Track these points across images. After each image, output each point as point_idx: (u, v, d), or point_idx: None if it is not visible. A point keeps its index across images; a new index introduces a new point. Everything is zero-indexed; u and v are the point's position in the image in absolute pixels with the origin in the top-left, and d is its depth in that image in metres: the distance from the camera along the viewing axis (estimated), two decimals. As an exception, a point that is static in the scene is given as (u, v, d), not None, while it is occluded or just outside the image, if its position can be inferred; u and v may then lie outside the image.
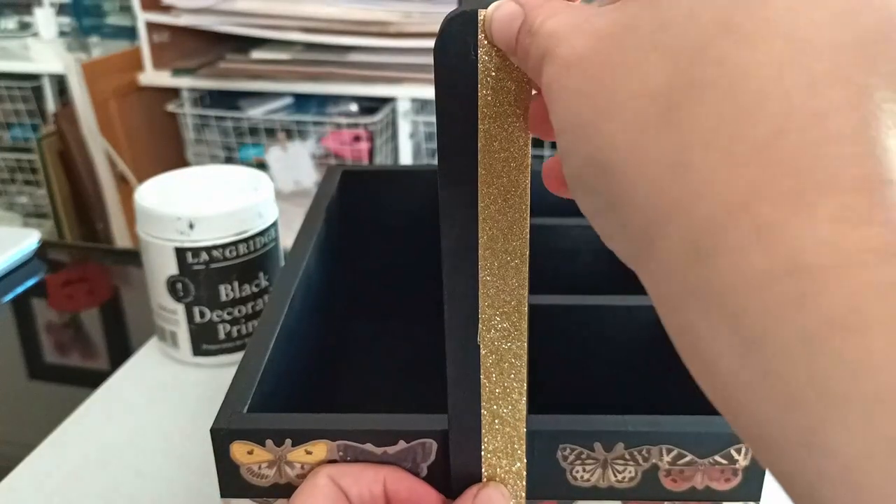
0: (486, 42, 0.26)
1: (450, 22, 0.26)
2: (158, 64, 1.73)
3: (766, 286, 0.15)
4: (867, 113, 0.15)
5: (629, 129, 0.18)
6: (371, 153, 1.66)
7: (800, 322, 0.15)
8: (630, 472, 0.33)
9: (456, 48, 0.26)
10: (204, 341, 0.61)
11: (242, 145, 1.74)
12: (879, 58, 0.16)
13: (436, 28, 0.26)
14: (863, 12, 0.16)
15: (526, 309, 0.29)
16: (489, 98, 0.26)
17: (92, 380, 0.62)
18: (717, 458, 0.33)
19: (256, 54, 1.72)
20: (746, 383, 0.16)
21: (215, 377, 0.61)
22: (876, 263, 0.14)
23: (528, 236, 0.28)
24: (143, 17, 1.68)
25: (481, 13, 0.25)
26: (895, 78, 0.16)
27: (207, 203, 0.59)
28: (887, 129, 0.15)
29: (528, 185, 0.28)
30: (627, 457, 0.33)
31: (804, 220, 0.15)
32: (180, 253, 0.58)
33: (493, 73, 0.26)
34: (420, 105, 1.64)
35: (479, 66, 0.26)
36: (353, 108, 1.68)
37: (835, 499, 0.14)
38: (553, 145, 1.58)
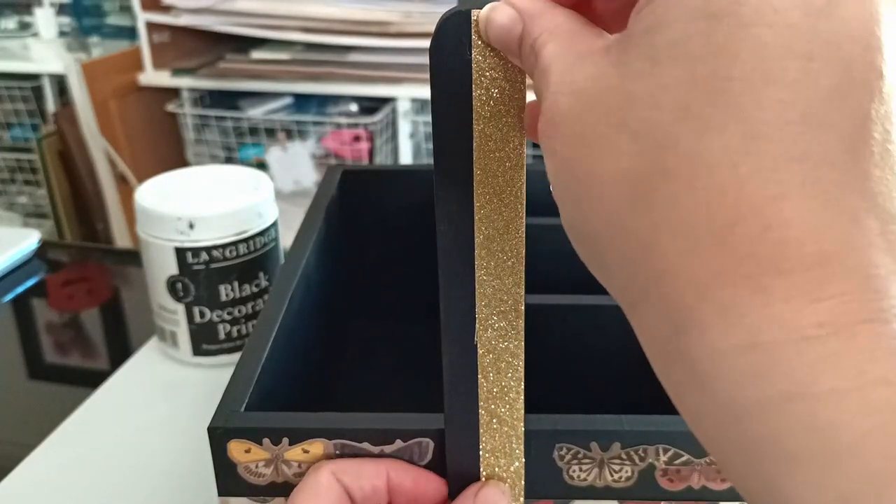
0: (480, 42, 0.26)
1: (445, 22, 0.26)
2: (158, 64, 1.73)
3: (729, 360, 0.17)
4: (825, 189, 0.17)
5: (606, 209, 0.19)
6: (371, 153, 1.66)
7: (759, 392, 0.17)
8: (627, 471, 0.33)
9: (451, 48, 0.26)
10: (204, 341, 0.62)
11: (242, 145, 1.74)
12: (838, 125, 0.17)
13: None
14: (819, 80, 0.17)
15: (522, 308, 0.30)
16: (484, 98, 0.26)
17: (92, 380, 0.63)
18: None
19: (256, 54, 1.72)
20: (724, 439, 0.18)
21: (215, 377, 0.61)
22: (826, 336, 0.16)
23: (524, 235, 0.29)
24: (143, 17, 1.68)
25: (475, 13, 0.25)
26: (848, 143, 0.17)
27: (207, 203, 0.59)
28: (838, 204, 0.16)
29: (524, 185, 0.28)
30: (624, 456, 0.33)
31: (761, 301, 0.17)
32: (180, 253, 0.58)
33: (489, 73, 0.26)
34: (420, 105, 1.64)
35: (474, 65, 0.26)
36: (353, 108, 1.68)
37: None
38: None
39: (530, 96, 0.26)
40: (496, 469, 0.32)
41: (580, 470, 0.33)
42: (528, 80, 0.26)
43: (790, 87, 0.17)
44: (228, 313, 0.61)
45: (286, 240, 0.61)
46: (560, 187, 0.21)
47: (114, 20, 1.98)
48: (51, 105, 1.82)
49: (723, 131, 0.17)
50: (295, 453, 0.33)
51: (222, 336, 0.62)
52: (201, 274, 0.59)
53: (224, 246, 0.59)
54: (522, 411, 0.31)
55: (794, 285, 0.16)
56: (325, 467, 0.31)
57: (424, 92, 1.59)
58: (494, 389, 0.31)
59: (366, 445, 0.32)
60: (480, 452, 0.32)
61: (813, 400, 0.16)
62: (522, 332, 0.30)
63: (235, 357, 0.61)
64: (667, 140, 0.18)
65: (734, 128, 0.17)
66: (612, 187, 0.19)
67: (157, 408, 0.59)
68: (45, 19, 1.94)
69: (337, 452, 0.32)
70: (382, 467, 0.32)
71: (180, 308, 0.60)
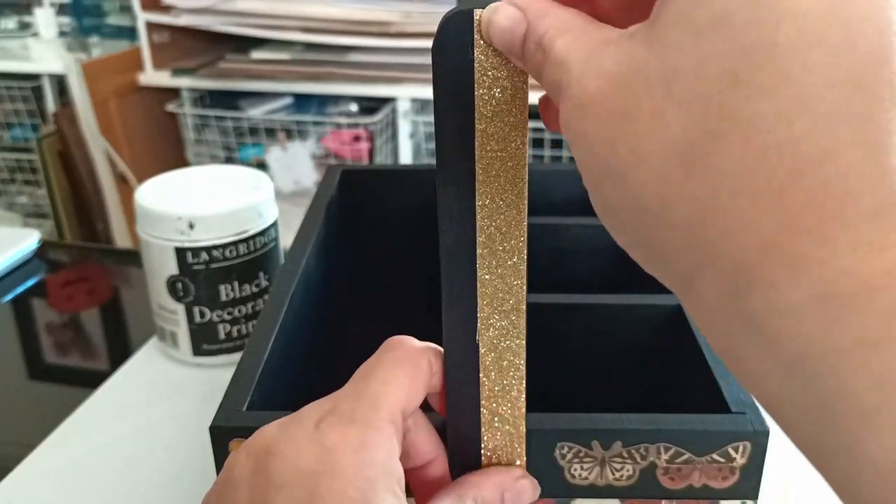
0: (482, 42, 0.26)
1: (447, 22, 0.26)
2: (158, 64, 1.73)
3: (798, 315, 0.17)
4: (873, 143, 0.17)
5: (657, 179, 0.19)
6: (371, 153, 1.66)
7: (830, 344, 0.17)
8: (628, 470, 0.33)
9: (453, 48, 0.26)
10: (204, 341, 0.62)
11: (242, 145, 1.74)
12: (878, 85, 0.17)
13: (436, 28, 0.26)
14: (857, 44, 0.17)
15: (524, 307, 0.30)
16: (486, 97, 0.26)
17: (92, 380, 0.62)
18: (715, 456, 0.33)
19: (256, 54, 1.72)
20: (790, 400, 0.18)
21: (215, 377, 0.61)
22: (894, 284, 0.16)
23: (526, 235, 0.29)
24: (143, 17, 1.68)
25: (477, 13, 0.25)
26: (888, 104, 0.17)
27: (207, 203, 0.59)
28: (887, 159, 0.17)
29: (526, 184, 0.28)
30: (625, 455, 0.33)
31: (828, 253, 0.17)
32: (180, 253, 0.58)
33: (490, 73, 0.26)
34: (420, 105, 1.64)
35: (476, 65, 0.26)
36: (353, 108, 1.68)
37: (874, 501, 0.16)
38: (553, 144, 1.58)
39: (532, 96, 0.26)
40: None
41: (581, 469, 0.33)
42: (531, 80, 0.26)
43: (832, 51, 0.17)
44: (228, 313, 0.61)
45: (286, 240, 0.61)
46: (597, 171, 0.21)
47: (114, 20, 1.98)
48: (51, 105, 1.82)
49: (773, 94, 0.18)
50: (296, 453, 0.32)
51: (222, 336, 0.62)
52: (201, 274, 0.59)
53: (224, 246, 0.59)
54: (524, 410, 0.31)
55: (857, 236, 0.17)
56: (426, 353, 0.30)
57: (424, 92, 1.59)
58: (496, 388, 0.31)
59: (367, 445, 0.32)
60: (482, 451, 0.32)
61: (885, 349, 0.16)
62: (524, 331, 0.30)
63: (235, 357, 0.61)
64: (718, 107, 0.18)
65: (784, 91, 0.17)
66: (662, 158, 0.19)
67: (157, 408, 0.59)
68: (45, 19, 1.94)
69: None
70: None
71: (180, 308, 0.60)
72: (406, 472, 0.31)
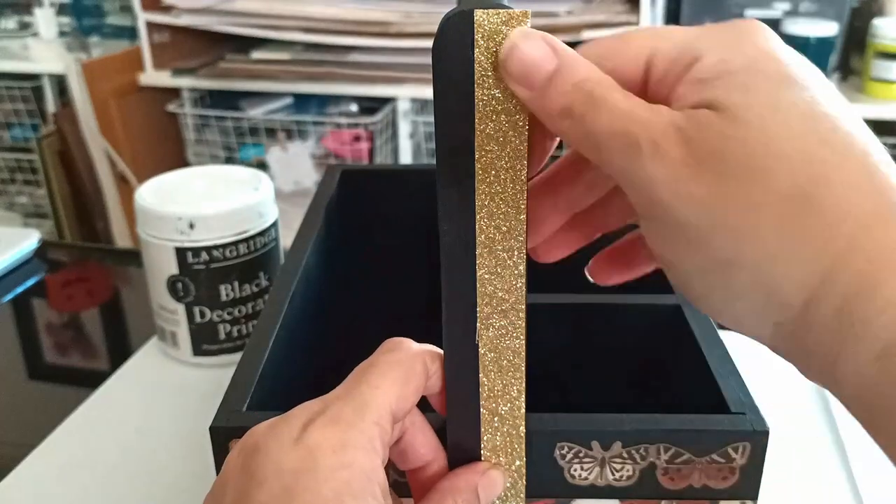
0: (482, 42, 0.26)
1: (447, 22, 0.26)
2: (158, 64, 1.73)
3: None
4: None
5: (775, 221, 0.23)
6: (371, 153, 1.66)
7: None
8: (628, 470, 0.33)
9: (453, 48, 0.26)
10: (204, 341, 0.62)
11: (243, 145, 1.74)
12: None
13: (436, 28, 0.26)
14: None
15: (524, 307, 0.30)
16: (486, 97, 0.26)
17: (92, 380, 0.62)
18: (715, 456, 0.33)
19: (256, 54, 1.72)
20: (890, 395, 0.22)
21: (215, 377, 0.61)
22: None
23: (525, 234, 0.29)
24: (143, 17, 1.68)
25: (478, 13, 0.25)
26: None
27: (207, 203, 0.59)
28: None
29: (526, 183, 0.28)
30: (625, 455, 0.33)
31: None
32: (180, 253, 0.58)
33: (491, 73, 0.26)
34: (420, 105, 1.64)
35: (476, 65, 0.26)
36: (353, 108, 1.68)
37: None
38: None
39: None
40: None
41: (581, 469, 0.33)
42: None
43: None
44: (228, 313, 0.61)
45: (286, 240, 0.61)
46: (708, 229, 0.23)
47: (114, 20, 1.98)
48: (51, 105, 1.82)
49: (847, 155, 0.23)
50: (296, 453, 0.32)
51: (222, 336, 0.62)
52: (201, 274, 0.59)
53: (224, 246, 0.59)
54: (524, 410, 0.31)
55: None
56: (421, 356, 0.30)
57: (424, 92, 1.59)
58: (496, 388, 0.31)
59: (367, 445, 0.32)
60: (482, 451, 0.32)
61: None
62: (524, 331, 0.30)
63: (236, 357, 0.61)
64: (811, 165, 0.23)
65: (861, 149, 0.23)
66: (777, 202, 0.23)
67: (157, 408, 0.59)
68: (45, 19, 1.94)
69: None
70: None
71: (180, 308, 0.60)
72: (407, 473, 0.32)
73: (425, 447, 0.31)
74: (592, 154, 0.25)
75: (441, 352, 0.30)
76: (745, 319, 0.25)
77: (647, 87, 0.26)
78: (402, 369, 0.29)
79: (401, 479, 0.33)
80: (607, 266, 0.33)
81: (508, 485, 0.32)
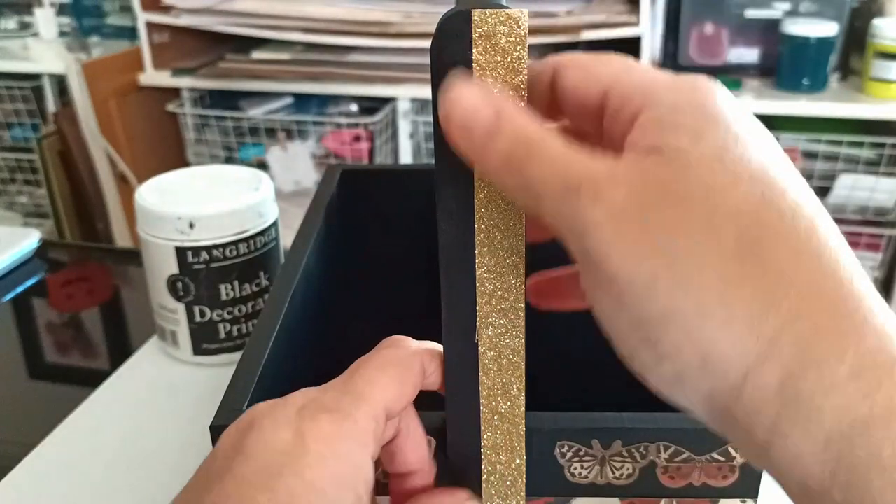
0: (481, 41, 0.26)
1: (446, 22, 0.26)
2: (158, 64, 1.73)
3: (841, 389, 0.21)
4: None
5: (716, 280, 0.21)
6: (371, 153, 1.66)
7: (866, 411, 0.20)
8: (628, 468, 0.33)
9: (452, 47, 0.26)
10: (204, 341, 0.62)
11: (243, 145, 1.74)
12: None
13: (435, 28, 0.26)
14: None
15: (524, 305, 0.30)
16: (486, 97, 0.26)
17: (92, 380, 0.63)
18: (715, 455, 0.33)
19: (256, 54, 1.72)
20: (828, 472, 0.21)
21: (215, 376, 0.61)
22: None
23: (524, 233, 0.29)
24: (143, 17, 1.68)
25: (476, 13, 0.25)
26: None
27: (207, 203, 0.59)
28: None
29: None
30: (625, 454, 0.33)
31: (867, 330, 0.21)
32: (181, 252, 0.58)
33: (489, 72, 0.26)
34: (420, 105, 1.64)
35: (475, 65, 0.26)
36: (353, 108, 1.68)
37: None
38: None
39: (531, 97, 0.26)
40: (497, 466, 0.32)
41: (581, 467, 0.33)
42: (528, 79, 0.26)
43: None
44: (229, 313, 0.61)
45: (286, 240, 0.61)
46: (645, 280, 0.22)
47: (114, 20, 1.98)
48: (51, 105, 1.82)
49: (801, 218, 0.22)
50: (296, 452, 0.32)
51: (223, 335, 0.62)
52: (201, 273, 0.59)
53: (224, 245, 0.59)
54: (523, 408, 0.31)
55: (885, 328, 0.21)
56: (419, 355, 0.30)
57: (424, 92, 1.59)
58: (496, 387, 0.31)
59: (367, 444, 0.32)
60: (482, 450, 0.32)
61: None
62: (524, 330, 0.30)
63: (236, 356, 0.62)
64: (763, 218, 0.22)
65: (808, 219, 0.22)
66: (720, 260, 0.22)
67: (157, 407, 0.59)
68: (45, 19, 1.94)
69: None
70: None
71: (181, 307, 0.60)
72: (390, 476, 0.32)
73: (414, 455, 0.31)
74: (532, 204, 0.24)
75: (440, 350, 0.30)
76: (676, 385, 0.23)
77: (602, 117, 0.26)
78: (400, 366, 0.29)
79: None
80: (544, 290, 0.32)
81: (508, 483, 0.32)
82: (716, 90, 0.24)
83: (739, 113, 0.24)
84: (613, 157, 0.23)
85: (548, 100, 0.27)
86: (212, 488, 0.25)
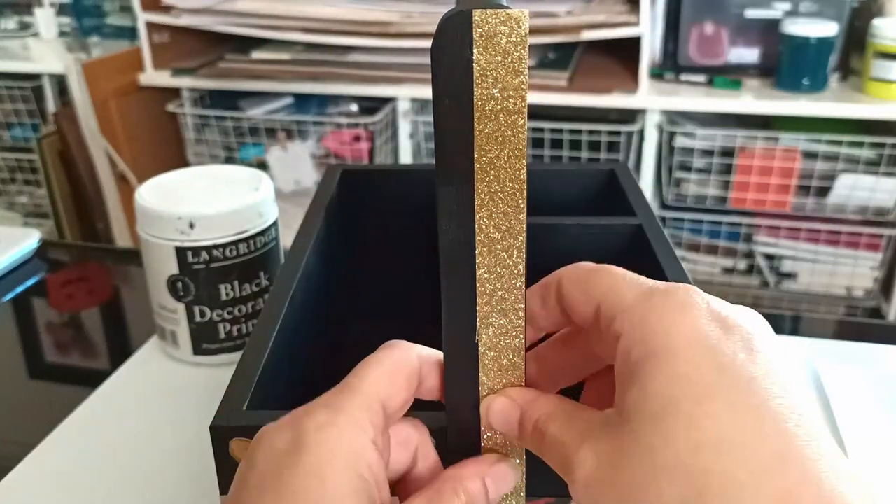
0: (482, 41, 0.26)
1: (446, 22, 0.26)
2: (158, 64, 1.73)
3: None
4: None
5: None
6: (371, 153, 1.66)
7: None
8: (628, 469, 0.33)
9: (452, 48, 0.26)
10: (204, 340, 0.62)
11: (243, 145, 1.74)
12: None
13: (435, 28, 0.26)
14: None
15: (524, 306, 0.30)
16: (486, 97, 0.27)
17: (92, 380, 0.63)
18: (715, 455, 0.33)
19: (256, 54, 1.72)
20: None
21: (215, 376, 0.61)
22: None
23: (525, 234, 0.29)
24: (143, 17, 1.68)
25: (477, 13, 0.25)
26: None
27: (207, 203, 0.59)
28: None
29: (526, 183, 0.28)
30: (625, 455, 0.33)
31: None
32: (181, 252, 0.58)
33: (490, 73, 0.26)
34: (420, 105, 1.64)
35: (475, 65, 0.26)
36: (353, 108, 1.68)
37: None
38: (553, 144, 1.58)
39: (531, 97, 0.26)
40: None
41: (581, 469, 0.33)
42: (529, 80, 0.26)
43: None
44: (229, 312, 0.61)
45: (286, 239, 0.61)
46: None
47: (114, 20, 1.98)
48: (51, 105, 1.82)
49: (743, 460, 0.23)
50: (296, 452, 0.32)
51: (222, 335, 0.62)
52: (201, 273, 0.59)
53: (224, 245, 0.59)
54: (523, 410, 0.31)
55: None
56: (415, 357, 0.30)
57: (424, 92, 1.59)
58: (496, 387, 0.31)
59: (367, 444, 0.32)
60: (482, 450, 0.32)
61: None
62: (524, 330, 0.30)
63: (236, 356, 0.61)
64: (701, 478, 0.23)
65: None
66: None
67: (157, 407, 0.59)
68: (45, 19, 1.94)
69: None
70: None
71: (180, 307, 0.60)
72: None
73: (400, 456, 0.31)
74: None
75: (440, 357, 0.30)
76: None
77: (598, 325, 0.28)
78: (394, 364, 0.29)
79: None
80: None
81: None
82: (690, 310, 0.26)
83: (712, 339, 0.25)
84: (592, 429, 0.27)
85: (557, 310, 0.30)
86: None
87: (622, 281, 0.28)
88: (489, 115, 0.27)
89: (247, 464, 0.27)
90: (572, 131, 1.55)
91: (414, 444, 0.31)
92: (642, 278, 0.28)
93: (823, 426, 0.24)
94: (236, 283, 0.60)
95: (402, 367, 0.29)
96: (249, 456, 0.27)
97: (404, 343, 0.30)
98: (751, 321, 0.26)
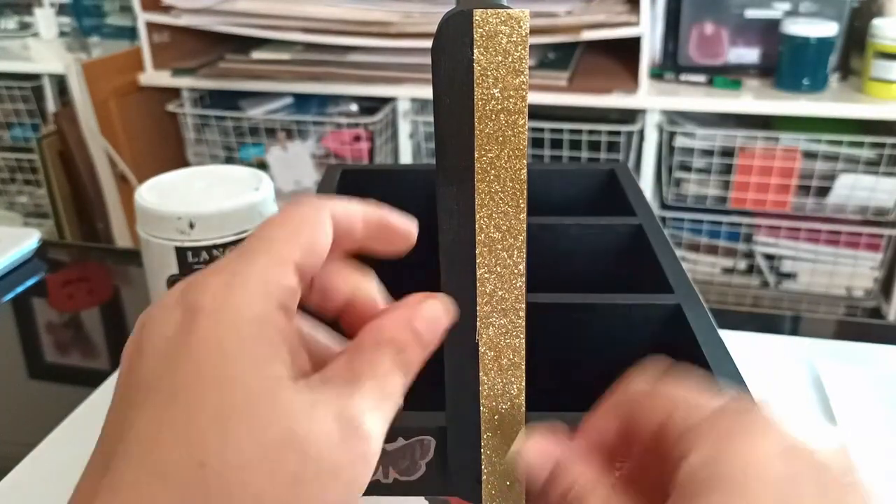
0: (482, 41, 0.26)
1: (446, 22, 0.26)
2: (158, 64, 1.73)
3: None
4: None
5: None
6: (371, 153, 1.66)
7: None
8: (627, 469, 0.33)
9: (453, 48, 0.26)
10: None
11: (243, 145, 1.74)
12: None
13: (435, 28, 0.26)
14: None
15: (524, 306, 0.30)
16: (486, 97, 0.27)
17: (92, 379, 0.62)
18: (715, 455, 0.33)
19: (256, 54, 1.72)
20: None
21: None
22: None
23: (525, 234, 0.29)
24: (143, 17, 1.68)
25: (477, 13, 0.25)
26: None
27: (207, 203, 0.59)
28: None
29: (526, 183, 0.28)
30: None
31: None
32: (181, 252, 0.58)
33: (490, 73, 0.26)
34: (420, 105, 1.64)
35: (476, 65, 0.26)
36: (353, 108, 1.68)
37: None
38: (553, 144, 1.58)
39: (532, 96, 0.26)
40: (497, 466, 0.32)
41: (581, 468, 0.33)
42: (529, 80, 0.26)
43: None
44: (229, 313, 0.61)
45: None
46: None
47: (114, 20, 1.98)
48: (51, 105, 1.82)
49: None
50: (296, 452, 0.32)
51: (223, 335, 0.62)
52: (202, 273, 0.59)
53: (224, 246, 0.59)
54: (524, 409, 0.31)
55: None
56: (323, 207, 0.26)
57: (424, 92, 1.59)
58: (496, 387, 0.31)
59: (367, 444, 0.32)
60: (482, 450, 0.32)
61: None
62: (524, 330, 0.30)
63: (236, 356, 0.61)
64: None
65: None
66: None
67: (157, 407, 0.58)
68: (45, 19, 1.94)
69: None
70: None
71: (181, 307, 0.60)
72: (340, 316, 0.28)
73: (343, 283, 0.28)
74: None
75: (360, 207, 0.28)
76: None
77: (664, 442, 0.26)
78: (301, 218, 0.26)
79: (401, 477, 0.33)
80: None
81: (508, 483, 0.32)
82: (762, 434, 0.24)
83: (779, 468, 0.23)
84: None
85: (612, 440, 0.28)
86: (115, 406, 0.24)
87: (684, 398, 0.26)
88: (490, 115, 0.27)
89: (131, 358, 0.24)
90: (572, 131, 1.55)
91: (342, 296, 0.27)
92: (711, 391, 0.26)
93: None
94: (236, 283, 0.60)
95: (310, 223, 0.26)
96: (134, 347, 0.24)
97: (308, 197, 0.27)
98: (833, 458, 0.24)
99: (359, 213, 0.27)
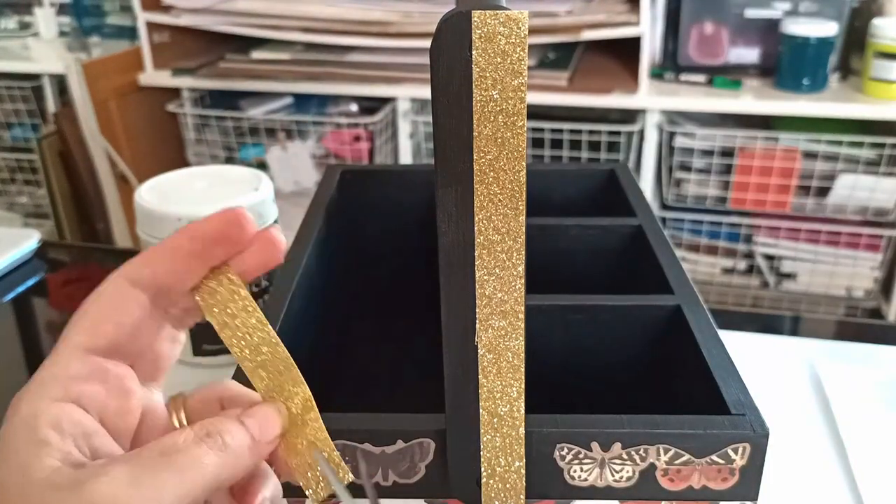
0: (481, 42, 0.26)
1: (446, 23, 0.26)
2: (158, 64, 1.73)
3: None
4: None
5: None
6: (371, 153, 1.66)
7: None
8: (627, 471, 0.33)
9: (452, 48, 0.26)
10: (204, 341, 0.61)
11: (243, 145, 1.74)
12: None
13: (435, 28, 0.26)
14: None
15: (523, 308, 0.30)
16: (485, 98, 0.26)
17: (92, 380, 0.62)
18: (714, 457, 0.33)
19: (256, 54, 1.72)
20: None
21: (216, 377, 0.61)
22: None
23: (524, 235, 0.29)
24: (143, 17, 1.68)
25: (476, 14, 0.25)
26: None
27: (207, 203, 0.59)
28: None
29: (525, 184, 0.28)
30: (625, 456, 0.33)
31: None
32: (180, 253, 0.58)
33: (489, 73, 0.26)
34: (420, 105, 1.64)
35: (475, 66, 0.26)
36: (353, 108, 1.68)
37: None
38: (553, 144, 1.58)
39: (531, 97, 0.26)
40: (497, 468, 0.32)
41: (581, 470, 0.33)
42: (529, 80, 0.26)
43: None
44: (229, 313, 0.61)
45: (286, 240, 0.61)
46: None
47: (114, 20, 1.98)
48: (51, 105, 1.82)
49: None
50: (295, 453, 0.32)
51: (222, 336, 0.62)
52: (201, 274, 0.59)
53: (224, 246, 0.59)
54: (523, 411, 0.31)
55: None
56: (120, 283, 0.30)
57: (424, 92, 1.58)
58: (495, 389, 0.31)
59: (367, 446, 0.32)
60: (481, 452, 0.32)
61: None
62: (523, 332, 0.30)
63: (235, 357, 0.61)
64: None
65: None
66: None
67: (157, 408, 0.58)
68: (45, 19, 1.94)
69: (337, 452, 0.32)
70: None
71: (180, 308, 0.60)
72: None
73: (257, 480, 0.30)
74: None
75: (159, 250, 0.30)
76: None
77: None
78: (88, 301, 0.29)
79: (401, 480, 0.33)
80: None
81: (508, 485, 0.32)
82: None
83: None
84: None
85: None
86: None
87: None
88: (488, 116, 0.27)
89: None
90: (572, 131, 1.55)
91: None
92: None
93: None
94: (236, 284, 0.60)
95: (95, 301, 0.29)
96: None
97: (112, 274, 0.30)
98: None
99: (182, 239, 0.29)
